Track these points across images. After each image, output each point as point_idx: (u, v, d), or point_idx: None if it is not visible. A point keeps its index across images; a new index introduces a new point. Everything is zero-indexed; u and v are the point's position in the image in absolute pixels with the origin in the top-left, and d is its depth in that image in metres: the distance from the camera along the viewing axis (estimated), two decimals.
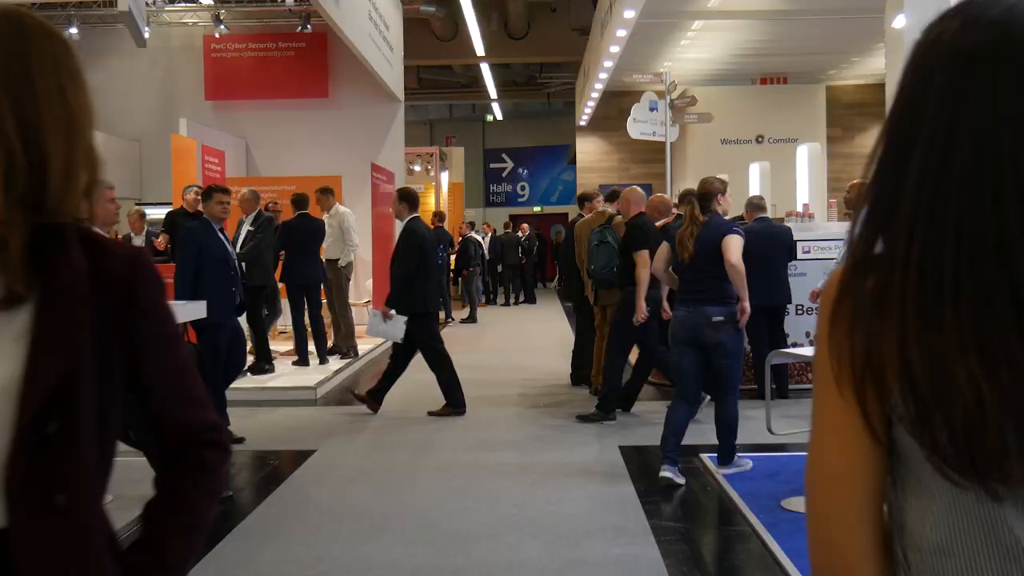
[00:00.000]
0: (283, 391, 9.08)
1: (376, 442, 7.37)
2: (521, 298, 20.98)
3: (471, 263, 16.80)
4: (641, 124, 17.87)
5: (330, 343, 10.95)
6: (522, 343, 13.48)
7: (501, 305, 20.70)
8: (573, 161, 28.46)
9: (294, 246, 9.98)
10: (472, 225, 21.21)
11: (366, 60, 12.87)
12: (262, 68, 14.67)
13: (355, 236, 10.87)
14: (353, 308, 13.73)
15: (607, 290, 8.19)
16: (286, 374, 9.85)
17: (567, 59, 22.92)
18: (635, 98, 18.94)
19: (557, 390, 9.25)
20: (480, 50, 20.93)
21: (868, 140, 21.17)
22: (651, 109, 17.76)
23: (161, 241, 9.74)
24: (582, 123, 22.66)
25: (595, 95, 18.58)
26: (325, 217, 10.82)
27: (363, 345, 11.90)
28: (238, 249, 9.49)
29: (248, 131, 14.90)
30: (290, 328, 10.50)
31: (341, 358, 10.76)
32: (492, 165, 33.42)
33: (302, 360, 10.14)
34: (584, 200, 9.28)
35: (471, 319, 16.48)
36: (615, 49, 14.36)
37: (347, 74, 14.78)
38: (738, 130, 20.47)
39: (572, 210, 32.60)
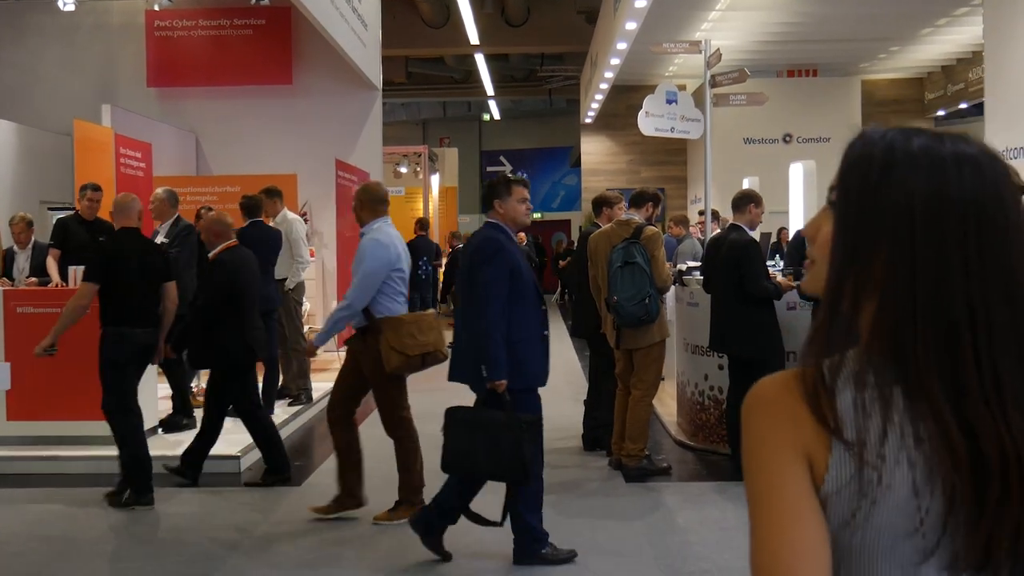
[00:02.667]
0: None
1: (296, 558, 5.12)
2: None
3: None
4: (656, 119, 15.61)
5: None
6: None
7: None
8: (577, 164, 26.30)
9: None
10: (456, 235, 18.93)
11: (334, 40, 10.67)
12: (214, 49, 12.47)
13: (305, 250, 8.65)
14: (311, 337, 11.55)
15: (634, 329, 5.98)
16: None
17: (571, 49, 20.69)
18: (647, 93, 16.78)
19: (565, 456, 7.00)
20: (474, 38, 18.72)
21: None
22: (668, 102, 15.53)
23: (51, 260, 7.55)
24: (587, 120, 20.45)
25: (604, 86, 16.36)
26: (271, 224, 8.60)
27: (319, 383, 9.64)
28: None
29: (198, 123, 12.69)
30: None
31: (291, 403, 8.53)
32: (489, 168, 31.19)
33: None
34: (601, 205, 7.06)
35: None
36: (631, 26, 12.17)
37: (315, 57, 12.59)
38: (763, 128, 18.35)
39: (575, 217, 30.53)
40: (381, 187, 5.82)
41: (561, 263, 22.34)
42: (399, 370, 5.26)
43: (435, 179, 20.75)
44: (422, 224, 13.53)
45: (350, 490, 5.52)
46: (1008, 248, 1.00)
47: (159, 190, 7.50)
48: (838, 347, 1.02)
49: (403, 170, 19.06)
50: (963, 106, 18.79)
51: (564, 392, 9.74)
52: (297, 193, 10.32)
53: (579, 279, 6.98)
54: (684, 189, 20.30)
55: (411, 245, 13.76)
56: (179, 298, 7.19)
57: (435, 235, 18.37)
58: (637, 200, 6.49)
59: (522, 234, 20.30)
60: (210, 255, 6.16)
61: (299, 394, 8.59)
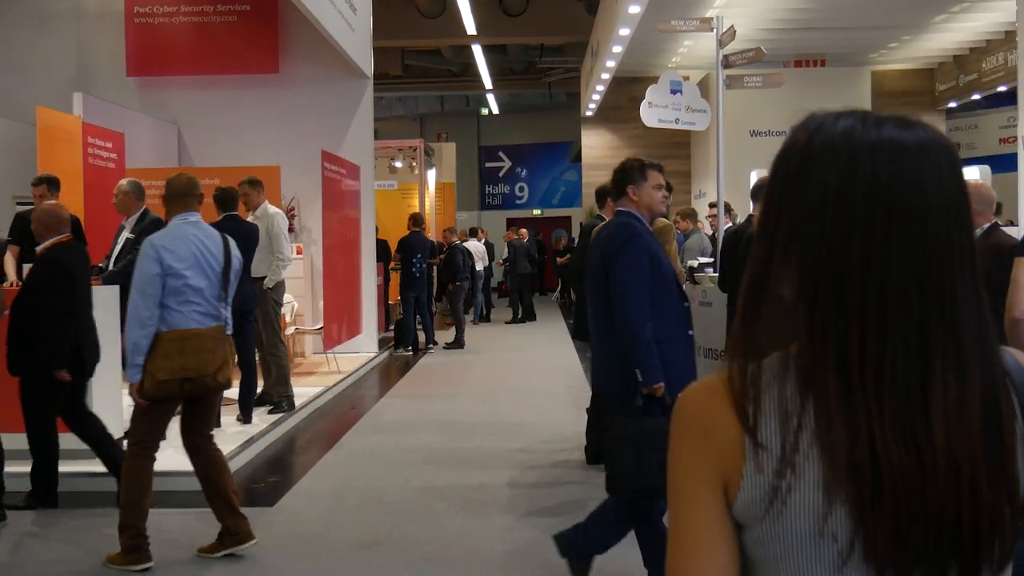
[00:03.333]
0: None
1: None
2: (519, 314, 18.00)
3: (458, 276, 13.89)
4: (659, 110, 15.00)
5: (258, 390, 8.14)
6: (518, 380, 10.60)
7: (507, 323, 17.67)
8: (577, 159, 25.67)
9: None
10: (474, 232, 18.29)
11: (321, 25, 10.07)
12: (197, 37, 11.85)
13: (286, 246, 8.04)
14: (300, 338, 11.01)
15: None
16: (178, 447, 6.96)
17: (571, 39, 20.07)
18: (649, 85, 16.15)
19: (567, 471, 6.39)
20: (471, 28, 18.10)
21: None
22: (673, 91, 14.91)
23: (8, 259, 6.95)
24: (588, 113, 19.84)
25: (606, 76, 15.74)
26: (250, 218, 8.01)
27: (304, 388, 9.05)
28: (110, 266, 6.71)
29: (180, 114, 12.09)
30: None
31: (271, 412, 7.92)
32: (488, 164, 30.60)
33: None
34: (605, 196, 6.45)
35: (457, 343, 13.63)
36: (635, 10, 11.58)
37: (302, 45, 11.99)
38: (770, 120, 17.65)
39: (576, 213, 29.78)
40: (184, 177, 4.85)
41: (560, 260, 21.76)
42: (150, 395, 4.40)
43: (431, 174, 20.11)
44: (416, 220, 12.90)
45: (224, 524, 4.69)
46: (923, 238, 0.96)
47: (123, 182, 6.90)
48: (760, 349, 1.00)
49: (398, 165, 18.42)
50: (976, 97, 18.21)
51: (564, 397, 9.13)
52: (280, 186, 9.71)
53: (581, 277, 6.37)
54: (688, 184, 19.69)
55: (405, 242, 13.26)
56: None
57: (431, 232, 17.75)
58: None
59: (523, 230, 19.75)
60: (38, 250, 5.37)
61: (280, 401, 8.00)
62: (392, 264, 13.85)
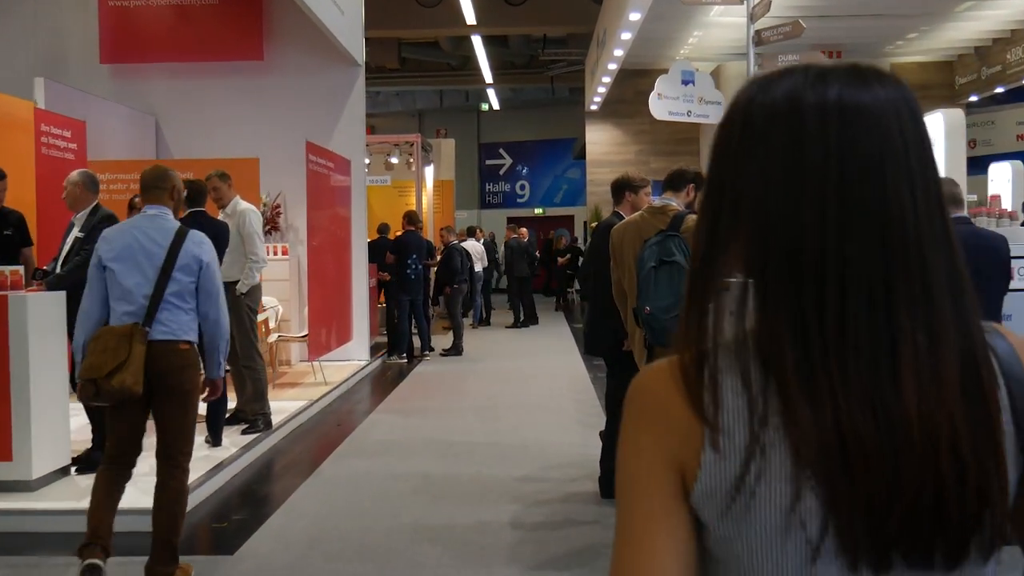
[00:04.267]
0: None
1: None
2: (521, 316, 17.10)
3: (456, 278, 13.03)
4: (670, 102, 14.19)
5: (231, 407, 7.32)
6: (520, 393, 9.75)
7: (508, 327, 16.78)
8: (580, 156, 24.84)
9: None
10: (472, 231, 17.39)
11: (310, 9, 9.26)
12: (176, 21, 11.02)
13: (260, 246, 7.19)
14: (285, 346, 10.12)
15: (670, 348, 4.51)
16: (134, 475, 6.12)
17: (575, 30, 19.24)
18: (656, 78, 15.32)
19: (579, 507, 5.53)
20: (471, 18, 17.26)
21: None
22: (684, 82, 14.08)
23: None
24: (593, 107, 19.02)
25: (613, 66, 14.89)
26: (220, 216, 7.18)
27: (285, 402, 8.21)
28: (57, 269, 5.88)
29: (158, 104, 11.26)
30: None
31: (245, 432, 7.09)
32: (488, 161, 29.77)
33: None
34: (623, 189, 5.61)
35: (454, 350, 12.77)
36: None
37: (289, 30, 11.19)
38: None
39: (578, 212, 28.97)
40: (152, 170, 4.46)
41: (560, 260, 20.93)
42: (81, 399, 4.14)
43: (429, 171, 19.27)
44: (411, 218, 12.02)
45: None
46: (883, 190, 0.88)
47: (73, 173, 6.05)
48: (711, 333, 0.93)
49: (394, 160, 17.60)
50: (999, 90, 17.39)
51: (571, 414, 8.29)
52: (259, 180, 8.88)
53: (596, 283, 5.53)
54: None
55: (399, 241, 12.39)
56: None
57: (428, 231, 16.91)
58: (674, 181, 5.02)
59: (523, 229, 18.91)
60: None
61: (255, 419, 7.16)
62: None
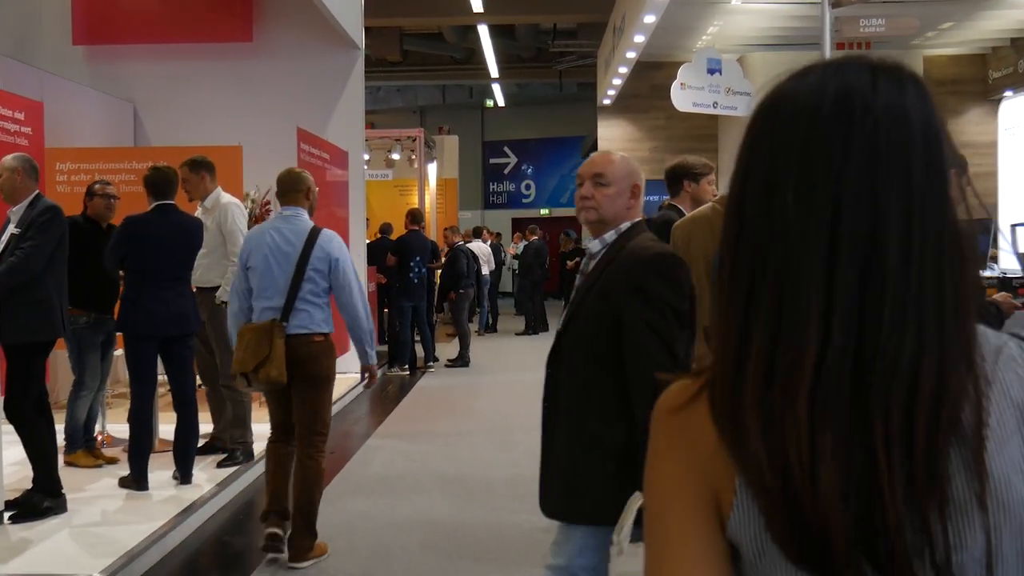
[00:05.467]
0: None
1: None
2: (532, 324, 16.05)
3: (462, 282, 11.97)
4: (694, 92, 13.16)
5: (206, 434, 6.29)
6: (537, 413, 8.69)
7: (518, 334, 15.71)
8: (591, 153, 23.82)
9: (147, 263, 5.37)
10: (478, 232, 16.29)
11: None
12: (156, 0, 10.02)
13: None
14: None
15: None
16: (81, 525, 5.08)
17: (588, 18, 18.19)
18: (675, 71, 14.28)
19: (627, 566, 4.48)
20: (477, 5, 16.22)
21: (964, 127, 16.66)
22: (710, 71, 13.04)
23: None
24: (606, 101, 17.97)
25: (632, 54, 13.84)
26: (199, 211, 6.14)
27: (260, 427, 7.15)
28: None
29: (136, 90, 10.23)
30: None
31: (221, 464, 6.04)
32: (492, 160, 28.73)
33: (136, 475, 5.41)
34: (681, 178, 4.56)
35: (461, 361, 11.72)
36: None
37: (280, 9, 10.19)
38: None
39: None
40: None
41: (569, 264, 19.88)
42: None
43: (432, 168, 18.25)
44: (414, 217, 10.94)
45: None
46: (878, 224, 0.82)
47: (7, 158, 4.98)
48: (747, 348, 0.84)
49: (395, 156, 16.58)
50: None
51: None
52: (242, 171, 7.83)
53: None
54: (716, 180, 17.80)
55: (401, 242, 11.30)
56: (40, 314, 4.82)
57: (431, 232, 15.86)
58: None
59: (537, 229, 17.86)
60: None
61: (234, 449, 6.11)
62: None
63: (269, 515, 4.49)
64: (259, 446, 6.49)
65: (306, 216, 4.63)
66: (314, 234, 4.49)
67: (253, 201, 10.13)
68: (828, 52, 6.77)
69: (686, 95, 12.70)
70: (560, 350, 2.78)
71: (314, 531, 4.46)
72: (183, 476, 5.58)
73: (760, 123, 0.88)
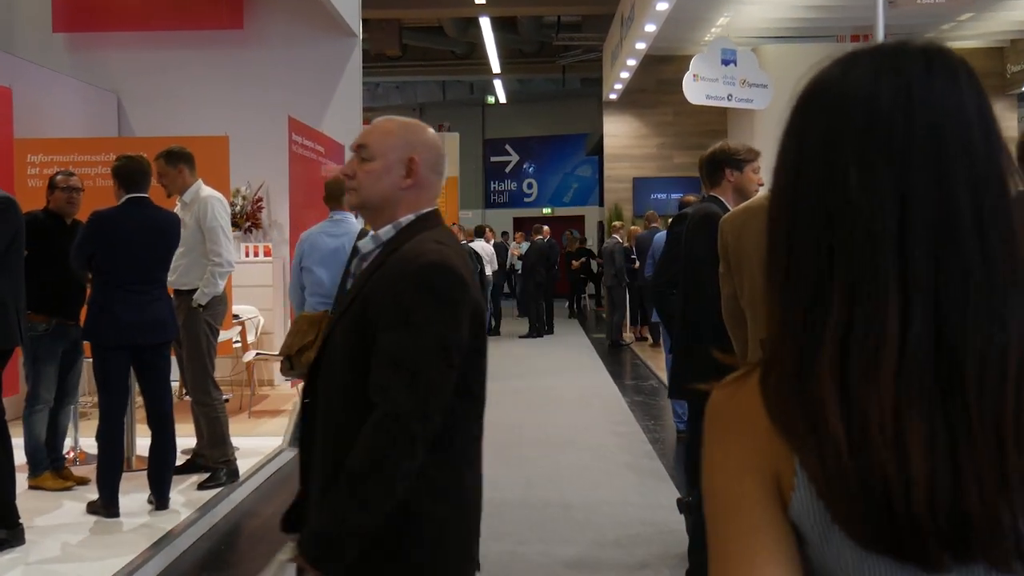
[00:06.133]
0: None
1: None
2: (538, 326, 15.46)
3: None
4: (708, 84, 12.59)
5: (185, 451, 5.72)
6: (547, 424, 8.14)
7: (521, 337, 15.13)
8: (595, 151, 23.24)
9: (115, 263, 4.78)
10: (480, 232, 15.67)
11: None
12: None
13: (225, 245, 5.52)
14: (267, 365, 8.45)
15: None
16: (39, 561, 4.50)
17: (593, 10, 17.62)
18: (683, 65, 13.72)
19: None
20: None
21: None
22: (725, 62, 12.48)
23: None
24: (612, 96, 17.42)
25: (641, 45, 13.28)
26: (178, 207, 5.56)
27: (259, 440, 6.58)
28: None
29: (120, 80, 9.67)
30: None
31: (203, 486, 5.46)
32: (493, 159, 28.15)
33: (105, 501, 4.84)
34: (722, 165, 3.96)
35: None
36: None
37: None
38: None
39: (590, 212, 27.40)
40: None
41: (575, 263, 19.34)
42: None
43: None
44: None
45: None
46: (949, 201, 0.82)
47: None
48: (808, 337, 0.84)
49: None
50: None
51: (615, 455, 6.67)
52: (228, 163, 7.23)
53: (691, 295, 3.90)
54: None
55: None
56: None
57: None
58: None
59: (546, 228, 17.27)
60: None
61: (216, 469, 5.53)
62: None
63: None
64: (246, 463, 5.94)
65: (352, 218, 5.10)
66: (362, 236, 4.56)
67: (244, 198, 9.58)
68: (881, 34, 6.19)
69: (699, 87, 12.14)
70: (317, 377, 2.00)
71: None
72: (158, 501, 5.01)
73: (810, 114, 0.86)
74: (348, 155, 8.30)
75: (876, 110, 0.82)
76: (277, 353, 4.80)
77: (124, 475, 5.38)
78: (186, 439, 6.04)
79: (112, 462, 4.80)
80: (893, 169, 0.81)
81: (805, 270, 0.84)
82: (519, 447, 7.03)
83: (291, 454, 6.75)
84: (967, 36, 16.11)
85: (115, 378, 4.80)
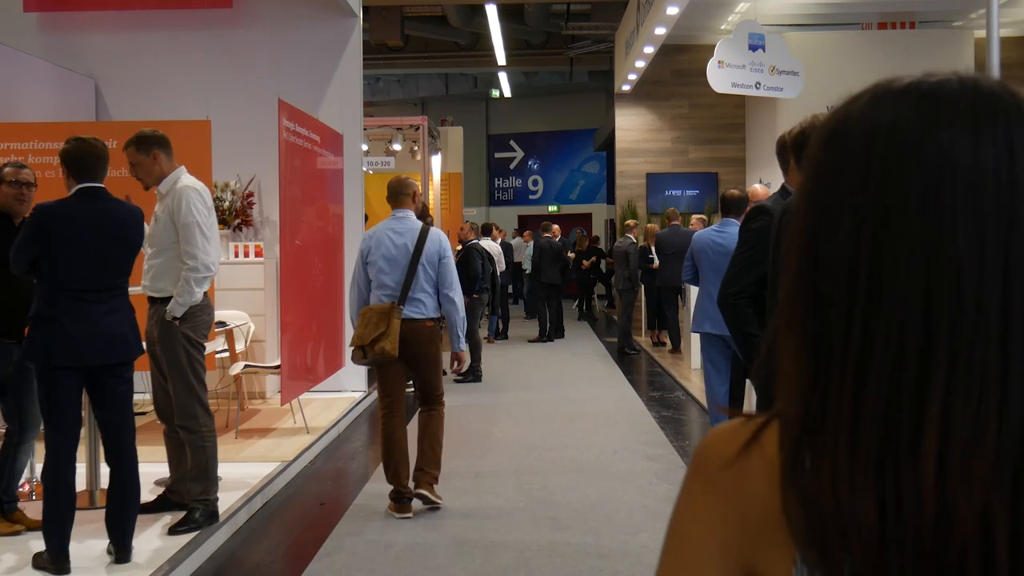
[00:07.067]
0: None
1: None
2: (547, 330, 14.63)
3: (477, 285, 10.53)
4: (734, 71, 11.73)
5: (159, 481, 4.89)
6: (570, 445, 7.30)
7: (531, 341, 14.30)
8: (604, 147, 22.40)
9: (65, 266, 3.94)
10: (487, 230, 14.79)
11: None
12: None
13: (202, 245, 4.63)
14: (259, 377, 7.58)
15: None
16: None
17: None
18: (700, 54, 12.86)
19: None
20: None
21: None
22: (752, 48, 11.63)
23: None
24: (625, 87, 16.55)
25: (660, 31, 12.40)
26: (159, 206, 4.72)
27: (244, 466, 5.73)
28: None
29: (97, 64, 8.85)
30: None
31: (176, 528, 4.62)
32: (497, 155, 27.32)
33: (53, 554, 4.00)
34: (797, 152, 3.13)
35: (472, 375, 10.32)
36: None
37: None
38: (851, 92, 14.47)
39: (597, 210, 26.55)
40: None
41: (584, 263, 18.54)
42: None
43: (436, 161, 16.86)
44: (422, 212, 9.53)
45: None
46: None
47: None
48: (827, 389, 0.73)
49: (396, 147, 15.20)
50: None
51: (653, 484, 5.82)
52: (210, 151, 6.39)
53: (766, 289, 3.08)
54: (743, 172, 16.45)
55: None
56: None
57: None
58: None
59: (556, 227, 16.43)
60: None
61: (193, 509, 4.68)
62: None
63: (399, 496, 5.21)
64: (228, 497, 5.11)
65: (413, 216, 5.40)
66: (424, 232, 5.28)
67: (233, 192, 8.75)
68: (995, 25, 5.35)
69: (724, 74, 11.28)
70: None
71: (439, 465, 5.34)
72: (118, 552, 4.17)
73: (833, 157, 0.75)
74: (348, 147, 7.40)
75: (910, 174, 0.71)
76: (349, 343, 5.22)
77: (87, 513, 4.56)
78: (155, 465, 5.23)
79: (59, 507, 3.96)
80: (927, 238, 0.70)
81: (820, 320, 0.72)
82: (541, 475, 6.17)
83: (282, 482, 5.91)
84: (1005, 23, 15.29)
85: (64, 406, 3.96)
